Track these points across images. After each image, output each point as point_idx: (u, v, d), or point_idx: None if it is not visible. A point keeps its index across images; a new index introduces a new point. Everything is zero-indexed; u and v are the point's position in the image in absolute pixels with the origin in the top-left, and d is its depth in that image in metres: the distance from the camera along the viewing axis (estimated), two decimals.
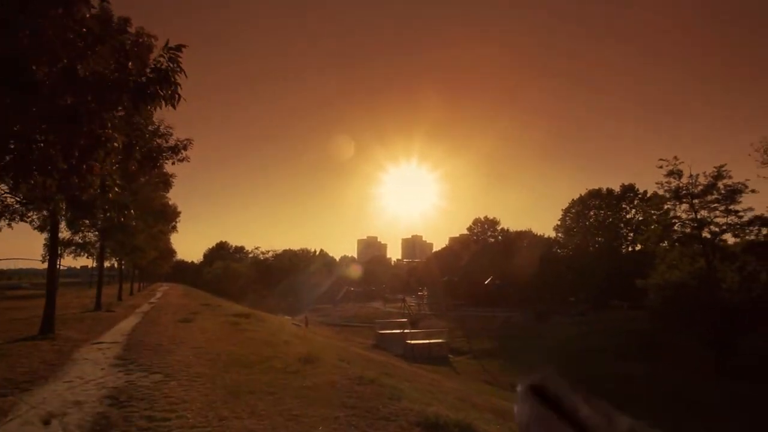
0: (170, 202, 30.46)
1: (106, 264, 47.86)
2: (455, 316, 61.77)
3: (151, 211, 20.74)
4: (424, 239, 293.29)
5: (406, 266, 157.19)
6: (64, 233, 20.82)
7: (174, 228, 36.87)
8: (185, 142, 13.52)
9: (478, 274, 72.76)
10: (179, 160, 13.52)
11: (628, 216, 72.41)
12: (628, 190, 73.44)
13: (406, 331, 47.81)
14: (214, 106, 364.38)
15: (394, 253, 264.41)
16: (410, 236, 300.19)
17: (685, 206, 32.27)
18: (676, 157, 31.74)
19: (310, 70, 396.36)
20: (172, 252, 68.41)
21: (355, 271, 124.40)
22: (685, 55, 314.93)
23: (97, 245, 22.02)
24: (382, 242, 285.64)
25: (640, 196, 73.03)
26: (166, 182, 15.70)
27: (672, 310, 30.28)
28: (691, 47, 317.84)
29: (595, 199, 74.58)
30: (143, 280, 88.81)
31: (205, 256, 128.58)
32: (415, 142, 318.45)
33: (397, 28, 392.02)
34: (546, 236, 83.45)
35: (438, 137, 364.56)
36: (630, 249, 71.57)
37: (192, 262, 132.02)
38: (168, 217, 23.83)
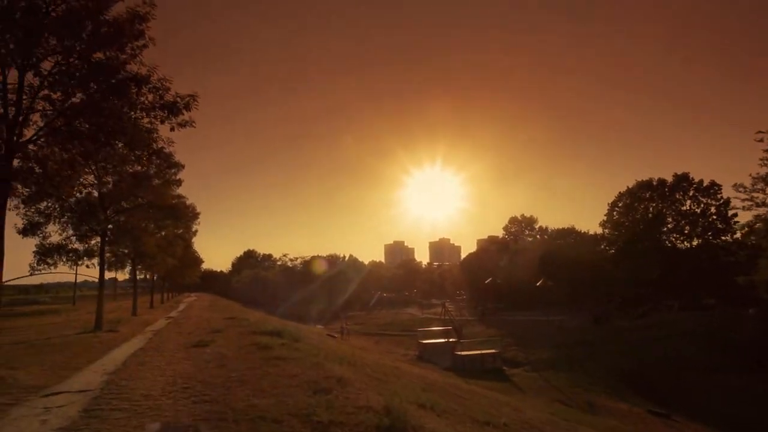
0: (187, 202, 27.25)
1: (139, 276, 45.30)
2: (500, 321, 56.97)
3: (160, 208, 17.14)
4: (452, 242, 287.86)
5: (437, 270, 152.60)
6: (55, 237, 17.38)
7: (193, 231, 33.74)
8: (188, 99, 9.64)
9: (521, 276, 67.66)
10: (180, 125, 9.68)
11: (683, 208, 66.26)
12: (682, 179, 67.27)
13: (451, 340, 43.62)
14: (238, 112, 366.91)
15: (422, 257, 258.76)
16: (437, 239, 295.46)
17: None
18: None
19: (332, 74, 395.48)
20: (198, 260, 65.67)
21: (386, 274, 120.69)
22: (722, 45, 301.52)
23: (98, 251, 18.40)
24: (409, 246, 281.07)
25: (695, 185, 67.06)
26: (159, 154, 11.61)
27: None
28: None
29: (645, 190, 68.61)
30: (171, 290, 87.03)
31: (233, 264, 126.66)
32: (439, 144, 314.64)
33: (419, 30, 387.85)
34: (591, 233, 77.88)
35: (462, 139, 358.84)
36: (687, 244, 65.50)
37: (221, 271, 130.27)
38: (181, 216, 20.14)
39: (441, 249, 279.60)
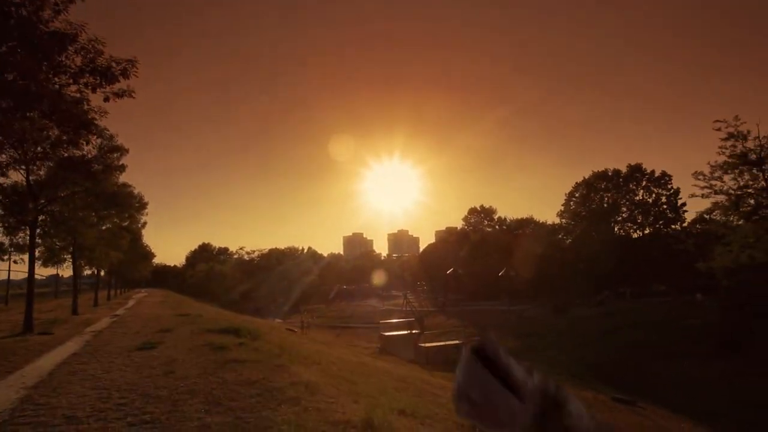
0: (134, 191, 25.09)
1: (87, 272, 41.90)
2: (461, 311, 57.04)
3: (100, 197, 15.38)
4: (410, 234, 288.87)
5: (396, 261, 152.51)
6: None
7: (141, 223, 31.39)
8: (125, 65, 8.19)
9: (481, 266, 68.11)
10: (116, 95, 8.25)
11: (636, 198, 68.33)
12: (636, 170, 69.36)
13: (414, 332, 43.11)
14: (194, 104, 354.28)
15: (381, 249, 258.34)
16: (396, 231, 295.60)
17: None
18: (737, 117, 26.75)
19: (291, 68, 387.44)
20: (149, 254, 62.40)
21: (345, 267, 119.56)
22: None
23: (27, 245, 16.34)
24: (368, 238, 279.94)
25: (647, 176, 69.25)
26: (88, 127, 9.83)
27: (748, 296, 25.79)
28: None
29: (601, 180, 70.34)
30: (121, 287, 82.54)
31: (187, 258, 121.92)
32: (398, 137, 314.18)
33: (376, 22, 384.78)
34: (549, 223, 79.22)
35: (420, 133, 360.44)
36: (640, 233, 67.65)
37: (174, 266, 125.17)
38: (124, 204, 18.22)
39: (400, 241, 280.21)
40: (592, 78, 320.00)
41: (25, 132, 8.03)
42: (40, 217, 15.67)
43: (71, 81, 7.86)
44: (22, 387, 7.39)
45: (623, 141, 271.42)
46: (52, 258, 18.84)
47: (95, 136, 9.72)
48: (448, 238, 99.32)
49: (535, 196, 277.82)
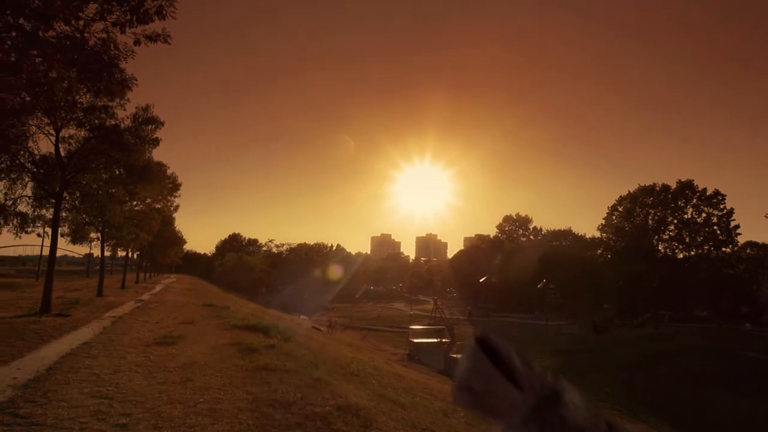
0: (168, 171, 24.04)
1: (121, 253, 41.57)
2: (494, 322, 54.76)
3: (131, 170, 14.18)
4: (438, 238, 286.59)
5: (424, 265, 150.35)
6: None
7: (173, 206, 30.44)
8: (161, 2, 6.73)
9: (515, 276, 65.39)
10: (149, 38, 6.83)
11: (685, 216, 64.33)
12: (686, 186, 65.35)
13: (444, 340, 41.24)
14: (231, 101, 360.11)
15: (408, 251, 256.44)
16: (424, 235, 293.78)
17: None
18: None
19: (325, 67, 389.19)
20: (180, 240, 62.12)
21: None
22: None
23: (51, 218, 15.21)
24: (396, 240, 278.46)
25: (698, 194, 65.19)
26: (111, 72, 8.33)
27: None
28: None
29: (647, 195, 66.66)
30: (152, 270, 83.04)
31: (217, 248, 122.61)
32: (429, 140, 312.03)
33: (409, 25, 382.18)
34: (587, 236, 75.78)
35: (451, 136, 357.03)
36: (687, 253, 63.62)
37: (204, 254, 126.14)
38: (154, 179, 16.98)
39: (427, 244, 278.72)
40: (640, 91, 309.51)
41: (53, 89, 6.73)
42: (68, 190, 14.61)
43: (97, 17, 6.51)
44: (11, 385, 5.99)
45: (667, 157, 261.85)
46: (77, 234, 17.83)
47: (123, 88, 8.28)
48: (480, 245, 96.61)
49: (569, 208, 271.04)
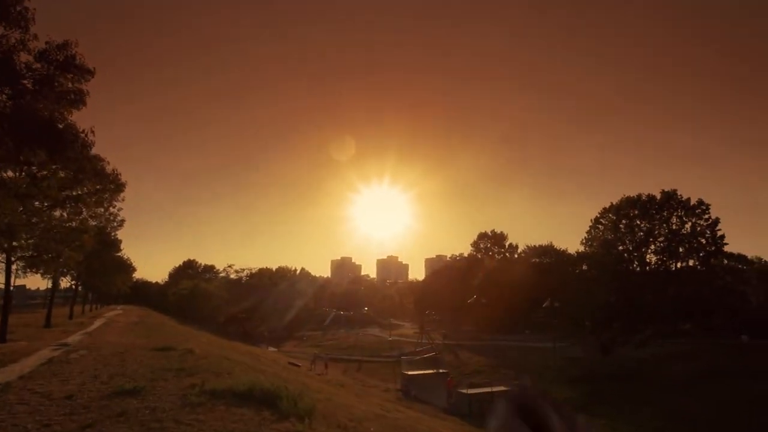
0: (109, 168, 17.85)
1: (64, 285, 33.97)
2: (485, 347, 49.83)
3: (30, 125, 8.44)
4: (399, 260, 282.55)
5: (390, 287, 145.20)
6: None
7: (118, 220, 24.10)
8: None
9: (502, 295, 60.96)
10: None
11: (674, 227, 62.15)
12: (670, 197, 63.56)
13: (442, 371, 35.98)
14: (182, 120, 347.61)
15: (370, 274, 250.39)
16: (385, 257, 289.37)
17: None
18: None
19: (284, 85, 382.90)
20: (127, 266, 54.46)
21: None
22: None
23: None
24: (357, 263, 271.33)
25: (682, 204, 63.42)
26: None
27: None
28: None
29: (631, 207, 64.32)
30: (97, 302, 73.81)
31: (170, 275, 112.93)
32: (388, 162, 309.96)
33: (368, 43, 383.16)
34: (569, 251, 72.78)
35: (411, 158, 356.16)
36: (677, 265, 61.23)
37: (156, 282, 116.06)
38: (68, 148, 10.86)
39: (389, 266, 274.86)
40: (613, 100, 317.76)
41: None
42: None
43: None
44: None
45: (646, 168, 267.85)
46: None
47: None
48: (454, 264, 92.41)
49: (544, 224, 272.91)
